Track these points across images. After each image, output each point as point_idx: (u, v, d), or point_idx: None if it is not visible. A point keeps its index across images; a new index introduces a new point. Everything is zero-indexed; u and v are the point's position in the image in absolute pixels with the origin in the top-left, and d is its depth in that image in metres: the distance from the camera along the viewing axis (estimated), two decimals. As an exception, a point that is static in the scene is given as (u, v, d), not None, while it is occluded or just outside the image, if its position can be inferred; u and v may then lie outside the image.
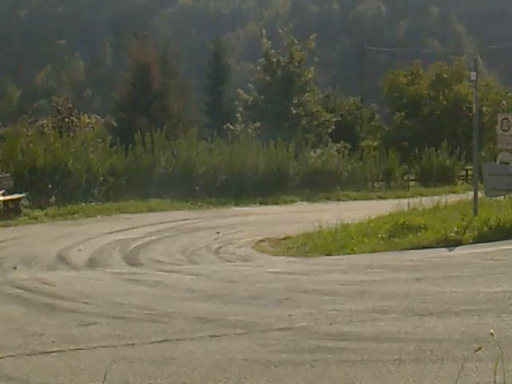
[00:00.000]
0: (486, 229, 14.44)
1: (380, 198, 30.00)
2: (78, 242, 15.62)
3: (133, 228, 18.46)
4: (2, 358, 5.87)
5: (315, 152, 33.05)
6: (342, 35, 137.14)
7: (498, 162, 18.27)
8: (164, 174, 26.18)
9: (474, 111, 17.13)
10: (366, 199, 29.29)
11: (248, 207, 25.07)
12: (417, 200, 18.33)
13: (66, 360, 5.78)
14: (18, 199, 21.04)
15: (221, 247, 15.23)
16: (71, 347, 6.14)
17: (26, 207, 21.58)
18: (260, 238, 16.43)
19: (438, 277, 9.64)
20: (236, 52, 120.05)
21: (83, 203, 22.72)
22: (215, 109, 55.19)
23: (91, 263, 13.06)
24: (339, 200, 28.42)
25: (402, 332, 6.35)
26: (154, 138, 26.60)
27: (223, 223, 19.71)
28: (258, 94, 39.13)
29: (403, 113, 47.28)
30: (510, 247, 12.84)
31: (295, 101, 38.51)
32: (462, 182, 38.44)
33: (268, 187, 27.82)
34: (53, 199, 23.19)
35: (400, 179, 36.00)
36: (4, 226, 18.92)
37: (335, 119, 41.58)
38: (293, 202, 27.34)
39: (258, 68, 39.99)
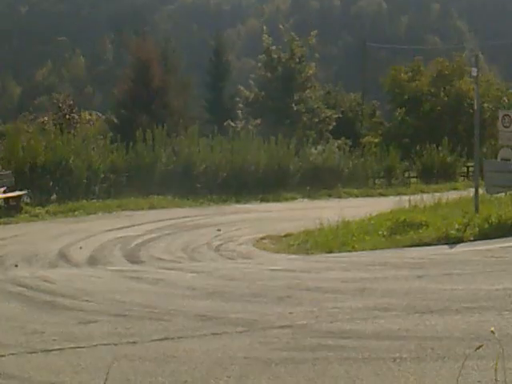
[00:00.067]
0: (487, 226, 14.42)
1: (381, 194, 29.98)
2: (79, 240, 15.62)
3: (134, 225, 18.46)
4: (3, 356, 5.87)
5: (316, 149, 33.04)
6: (342, 31, 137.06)
7: (499, 159, 18.26)
8: (165, 171, 26.19)
9: (476, 107, 17.11)
10: (367, 196, 29.28)
11: (249, 204, 25.07)
12: (418, 197, 18.31)
13: (67, 358, 5.78)
14: (19, 196, 21.05)
15: (222, 245, 15.23)
16: (72, 345, 6.14)
17: (26, 204, 21.59)
18: (261, 235, 16.43)
19: (439, 274, 9.64)
20: (237, 48, 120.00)
21: (84, 200, 22.73)
22: (216, 105, 55.16)
23: (92, 261, 13.07)
24: (340, 197, 28.41)
25: (403, 330, 6.35)
26: (155, 134, 26.60)
27: (224, 220, 19.71)
28: (258, 91, 39.12)
29: (404, 109, 47.27)
30: (510, 244, 12.82)
31: (296, 97, 38.50)
32: (463, 178, 38.40)
33: (269, 184, 27.82)
34: (54, 196, 23.21)
35: (401, 176, 35.97)
36: (5, 223, 18.94)
37: (336, 116, 41.57)
38: (294, 199, 27.34)
39: (259, 64, 39.97)
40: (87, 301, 8.36)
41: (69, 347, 6.09)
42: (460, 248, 13.07)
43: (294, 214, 21.28)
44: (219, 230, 17.34)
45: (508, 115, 17.63)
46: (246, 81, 41.86)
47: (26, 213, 20.50)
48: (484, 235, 14.08)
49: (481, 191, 16.95)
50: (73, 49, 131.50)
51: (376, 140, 45.44)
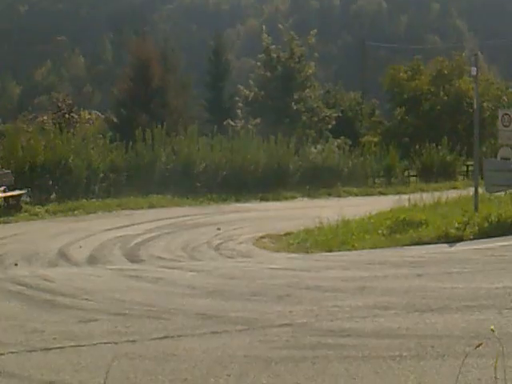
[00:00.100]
0: (486, 225, 14.44)
1: (381, 193, 29.98)
2: (79, 239, 15.62)
3: (133, 224, 18.46)
4: (3, 354, 5.87)
5: (316, 148, 33.04)
6: (342, 31, 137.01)
7: (498, 158, 18.26)
8: (164, 170, 26.18)
9: (475, 107, 17.12)
10: (367, 195, 29.29)
11: (249, 203, 25.07)
12: (417, 196, 18.31)
13: (67, 357, 5.78)
14: (19, 196, 21.04)
15: (221, 243, 15.24)
16: (72, 344, 6.14)
17: (26, 204, 21.59)
18: (261, 234, 16.43)
19: (439, 273, 9.64)
20: (236, 48, 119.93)
21: (84, 199, 22.73)
22: (215, 105, 55.13)
23: (92, 260, 13.07)
24: (340, 196, 28.42)
25: (403, 328, 6.35)
26: (155, 134, 26.60)
27: (224, 219, 19.71)
28: (258, 90, 39.10)
29: (404, 108, 47.25)
30: (510, 243, 12.83)
31: (296, 96, 38.48)
32: (462, 177, 38.42)
33: (269, 183, 27.82)
34: (53, 195, 23.21)
35: (401, 175, 35.97)
36: (5, 222, 18.94)
37: (336, 115, 41.56)
38: (293, 198, 27.34)
39: (259, 64, 39.95)
40: (87, 299, 8.36)
41: (69, 346, 6.09)
42: (460, 247, 13.08)
43: (294, 212, 21.29)
44: (219, 229, 17.34)
45: (508, 114, 17.63)
46: (246, 80, 41.85)
47: (25, 212, 20.50)
48: (484, 234, 14.10)
49: (480, 190, 16.97)
50: (72, 48, 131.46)
51: (375, 139, 45.39)
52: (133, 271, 11.11)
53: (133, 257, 13.42)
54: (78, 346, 6.08)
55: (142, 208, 22.49)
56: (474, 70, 16.80)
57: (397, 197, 19.51)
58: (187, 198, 24.77)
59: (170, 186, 25.20)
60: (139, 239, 15.71)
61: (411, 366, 5.21)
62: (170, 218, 19.82)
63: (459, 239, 13.78)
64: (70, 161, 23.49)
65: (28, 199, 22.31)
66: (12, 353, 5.93)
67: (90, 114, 44.51)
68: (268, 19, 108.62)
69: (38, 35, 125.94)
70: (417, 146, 37.51)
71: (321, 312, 7.12)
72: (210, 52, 60.62)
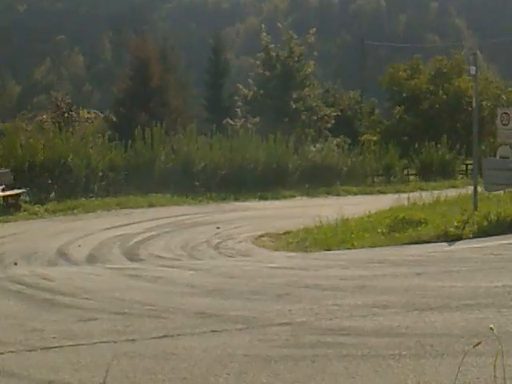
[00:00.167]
0: (485, 223, 14.45)
1: (380, 192, 29.98)
2: (78, 238, 15.62)
3: (133, 223, 18.46)
4: (3, 353, 5.87)
5: (315, 147, 33.03)
6: (341, 29, 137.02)
7: (497, 157, 18.26)
8: (164, 169, 26.17)
9: (474, 105, 17.12)
10: (366, 194, 29.28)
11: (248, 202, 25.06)
12: (417, 194, 18.34)
13: (66, 356, 5.78)
14: (18, 195, 21.04)
15: (221, 242, 15.24)
16: (72, 343, 6.15)
17: (25, 203, 21.58)
18: (260, 233, 16.43)
19: (438, 271, 9.65)
20: (235, 47, 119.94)
21: (83, 198, 22.71)
22: (215, 104, 55.13)
23: (91, 259, 13.07)
24: (339, 195, 28.40)
25: (403, 327, 6.36)
26: (154, 133, 26.57)
27: (223, 218, 19.71)
28: (257, 89, 39.06)
29: (403, 107, 47.24)
30: (509, 242, 12.83)
31: (295, 95, 38.44)
32: (461, 176, 38.39)
33: (268, 182, 27.81)
34: (53, 194, 23.19)
35: (400, 174, 35.96)
36: (4, 221, 18.93)
37: (335, 114, 41.51)
38: (293, 196, 27.33)
39: (258, 62, 39.90)
40: (86, 299, 8.36)
41: (68, 345, 6.10)
42: (459, 245, 13.08)
43: (293, 211, 21.29)
44: (218, 228, 17.34)
45: (507, 113, 17.63)
46: (245, 79, 41.83)
47: (24, 211, 20.49)
48: (483, 233, 14.10)
49: (480, 189, 16.97)
50: (72, 47, 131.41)
51: (375, 138, 45.37)
52: (132, 270, 11.11)
53: (132, 256, 13.42)
54: (78, 345, 6.09)
55: (142, 207, 22.48)
56: (473, 69, 16.80)
57: (396, 196, 19.52)
58: (186, 197, 24.77)
59: (170, 185, 25.20)
60: (139, 238, 15.71)
61: (410, 364, 5.22)
62: (169, 217, 19.81)
63: (458, 238, 13.79)
64: (69, 160, 23.47)
65: (27, 198, 22.28)
66: (11, 352, 5.93)
67: (89, 113, 44.55)
68: (267, 18, 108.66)
69: (38, 34, 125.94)
70: (416, 145, 37.51)
71: (320, 311, 7.13)
72: (210, 51, 60.64)
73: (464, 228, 14.20)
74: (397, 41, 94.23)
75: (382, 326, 6.43)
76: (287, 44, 38.81)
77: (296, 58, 38.64)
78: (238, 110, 40.53)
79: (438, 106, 46.27)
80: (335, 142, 35.86)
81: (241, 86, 40.54)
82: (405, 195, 18.41)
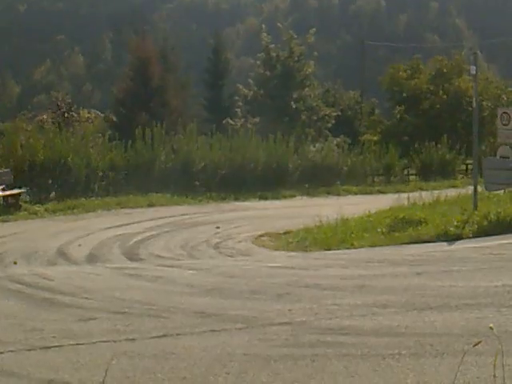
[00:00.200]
0: (485, 223, 14.44)
1: (380, 192, 29.98)
2: (78, 237, 15.62)
3: (133, 223, 18.46)
4: (3, 353, 5.87)
5: (315, 146, 33.04)
6: (341, 30, 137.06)
7: (498, 156, 18.27)
8: (164, 168, 26.18)
9: (474, 105, 17.11)
10: (366, 194, 29.28)
11: (248, 202, 25.07)
12: (417, 194, 18.33)
13: (66, 355, 5.78)
14: (18, 194, 21.05)
15: (221, 242, 15.24)
16: (71, 342, 6.15)
17: (25, 202, 21.59)
18: (260, 232, 16.43)
19: (438, 271, 9.64)
20: (235, 47, 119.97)
21: (83, 198, 22.72)
22: (215, 104, 55.14)
23: (91, 258, 13.07)
24: (339, 195, 28.41)
25: (402, 326, 6.36)
26: (154, 133, 26.58)
27: (223, 218, 19.71)
28: (257, 89, 39.08)
29: (403, 107, 47.24)
30: (509, 241, 12.83)
31: (295, 95, 38.46)
32: (461, 176, 38.40)
33: (268, 182, 27.81)
34: (53, 194, 23.21)
35: (400, 173, 35.98)
36: (4, 221, 18.94)
37: (335, 114, 41.53)
38: (293, 196, 27.33)
39: (258, 63, 39.92)
40: (86, 298, 8.36)
41: (68, 344, 6.10)
42: (459, 245, 13.08)
43: (293, 211, 21.29)
44: (218, 228, 17.34)
45: (507, 113, 17.64)
46: (245, 79, 41.83)
47: (25, 210, 20.50)
48: (483, 232, 14.09)
49: (480, 188, 16.97)
50: (72, 47, 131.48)
51: (375, 138, 45.39)
52: (132, 270, 11.11)
53: (132, 255, 13.42)
54: (78, 344, 6.09)
55: (142, 207, 22.48)
56: (473, 69, 16.80)
57: (396, 195, 19.51)
58: (186, 197, 24.77)
59: (170, 184, 25.20)
60: (138, 238, 15.71)
61: (410, 364, 5.21)
62: (169, 217, 19.82)
63: (458, 237, 13.78)
64: (70, 160, 23.48)
65: (27, 198, 22.30)
66: (11, 351, 5.93)
67: (89, 112, 44.49)
68: (267, 18, 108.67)
69: (38, 34, 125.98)
70: (416, 145, 37.52)
71: (320, 310, 7.12)
72: (210, 51, 60.65)
73: (464, 228, 14.19)
74: (397, 41, 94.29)
75: (382, 326, 6.43)
76: (287, 44, 38.83)
77: (296, 58, 38.66)
78: (238, 109, 40.55)
79: (438, 106, 46.27)
80: (335, 142, 35.88)
81: (241, 86, 40.56)
82: (405, 195, 18.40)
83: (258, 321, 6.78)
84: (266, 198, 26.13)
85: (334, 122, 40.61)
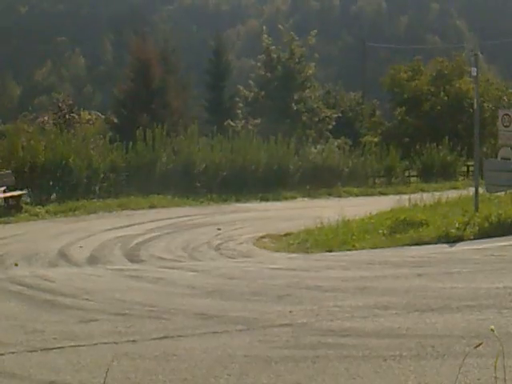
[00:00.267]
0: (486, 225, 14.44)
1: (381, 193, 29.97)
2: (79, 239, 15.63)
3: (134, 224, 18.46)
4: (4, 354, 5.87)
5: (316, 148, 33.03)
6: (342, 31, 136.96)
7: (499, 158, 18.25)
8: (165, 170, 26.18)
9: (475, 107, 17.11)
10: (367, 195, 29.27)
11: (249, 203, 25.07)
12: (418, 196, 18.32)
13: (67, 356, 5.78)
14: (19, 196, 21.05)
15: (222, 243, 15.24)
16: (72, 344, 6.15)
17: (26, 204, 21.59)
18: (261, 234, 16.44)
19: (439, 273, 9.64)
20: (236, 48, 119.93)
21: (84, 200, 22.72)
22: (216, 105, 55.08)
23: (92, 260, 13.07)
24: (340, 196, 28.41)
25: (403, 328, 6.35)
26: (155, 134, 26.58)
27: (224, 219, 19.71)
28: (258, 90, 39.08)
29: (404, 108, 47.22)
30: (510, 243, 12.83)
31: (296, 97, 38.45)
32: (463, 177, 38.39)
33: (269, 183, 27.82)
34: (54, 196, 23.21)
35: (401, 175, 35.95)
36: (5, 222, 18.94)
37: (336, 115, 41.51)
38: (294, 198, 27.33)
39: (259, 64, 39.91)
40: (87, 300, 8.36)
41: (69, 346, 6.10)
42: (460, 247, 13.08)
43: (294, 213, 21.29)
44: (219, 229, 17.34)
45: (508, 114, 17.62)
46: (246, 80, 41.81)
47: (26, 212, 20.50)
48: (484, 234, 14.10)
49: (481, 190, 16.97)
50: (73, 49, 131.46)
51: (376, 139, 45.33)
52: (133, 271, 11.12)
53: (133, 257, 13.42)
54: (78, 345, 6.09)
55: (143, 208, 22.49)
56: (474, 71, 16.80)
57: (397, 197, 19.51)
58: (187, 199, 24.78)
59: (171, 186, 25.20)
60: (140, 239, 15.71)
61: (411, 365, 5.21)
62: (170, 218, 19.82)
63: (459, 239, 13.79)
64: (71, 161, 23.48)
65: (28, 199, 22.31)
66: (12, 353, 5.93)
67: (90, 114, 44.54)
68: (268, 19, 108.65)
69: (39, 35, 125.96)
70: (417, 146, 37.48)
71: (321, 312, 7.12)
72: (211, 52, 60.57)
73: (465, 229, 14.20)
74: (398, 42, 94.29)
75: (383, 327, 6.42)
76: (288, 46, 38.82)
77: (297, 60, 38.65)
78: (239, 111, 40.55)
79: (439, 107, 46.23)
80: (336, 144, 35.84)
81: (242, 88, 40.55)
82: (406, 196, 18.40)
83: (259, 322, 6.78)
84: (267, 200, 26.14)
85: (334, 123, 40.58)
